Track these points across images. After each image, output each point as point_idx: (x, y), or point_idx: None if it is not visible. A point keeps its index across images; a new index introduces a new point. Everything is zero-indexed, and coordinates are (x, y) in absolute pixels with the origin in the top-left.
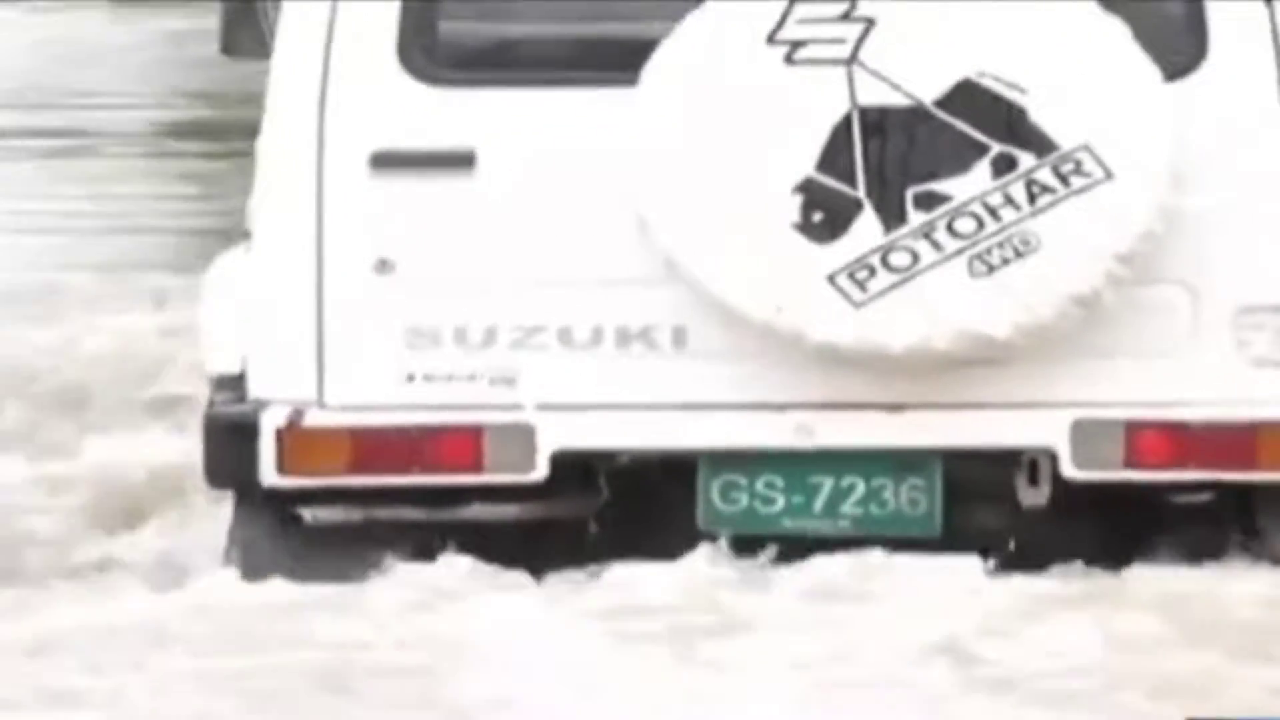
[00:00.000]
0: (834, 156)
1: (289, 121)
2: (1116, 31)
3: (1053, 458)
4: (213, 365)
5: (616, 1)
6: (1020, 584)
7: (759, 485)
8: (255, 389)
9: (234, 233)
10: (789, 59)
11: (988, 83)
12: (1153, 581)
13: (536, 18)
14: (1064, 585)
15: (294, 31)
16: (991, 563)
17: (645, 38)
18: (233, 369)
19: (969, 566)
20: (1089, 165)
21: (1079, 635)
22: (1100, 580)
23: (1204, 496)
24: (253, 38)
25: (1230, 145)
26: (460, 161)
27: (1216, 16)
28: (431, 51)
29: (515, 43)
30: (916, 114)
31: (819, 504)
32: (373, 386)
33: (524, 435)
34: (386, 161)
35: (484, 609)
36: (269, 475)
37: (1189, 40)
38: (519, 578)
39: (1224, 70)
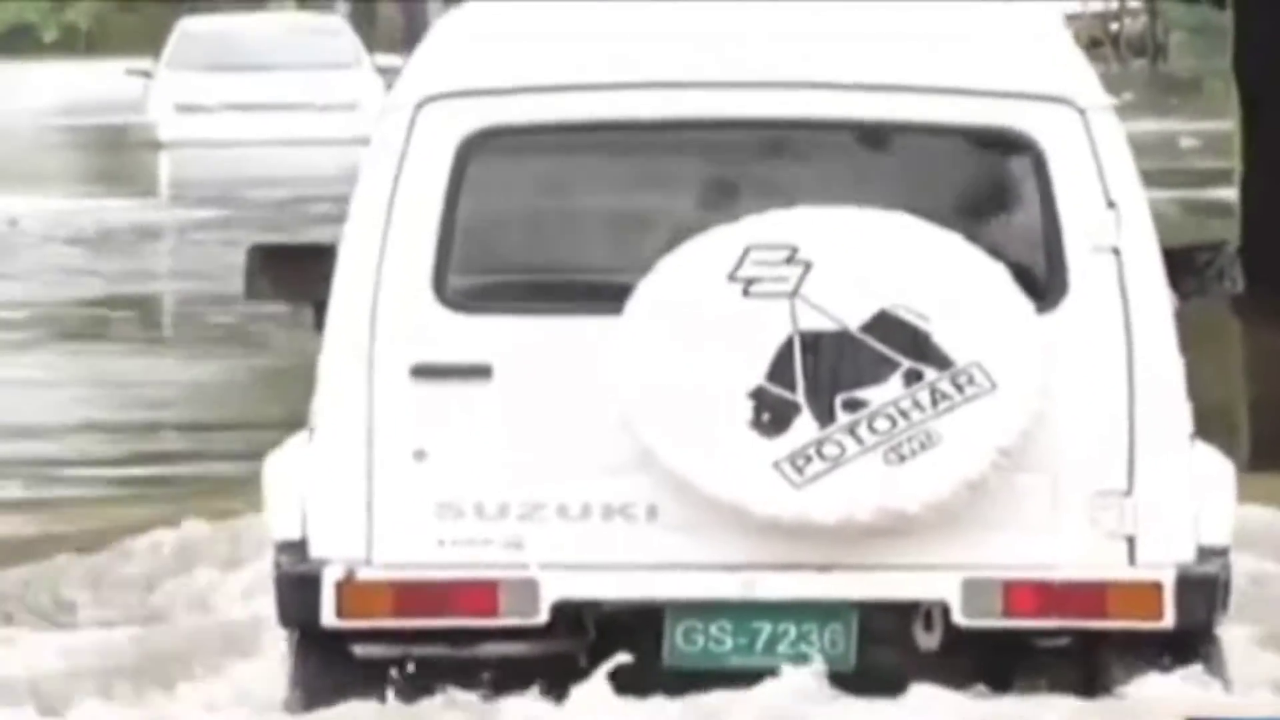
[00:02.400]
0: (780, 369)
1: (346, 337)
2: (1000, 274)
3: (945, 609)
4: (278, 532)
5: (601, 246)
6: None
7: (713, 629)
8: (316, 550)
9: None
10: (745, 292)
11: (900, 313)
12: (1020, 706)
13: (540, 260)
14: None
15: (350, 266)
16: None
17: (628, 275)
18: (294, 536)
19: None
20: (979, 378)
21: None
22: (976, 707)
23: (1063, 640)
24: (272, 284)
25: (1084, 366)
26: (480, 373)
27: (1075, 266)
28: (458, 285)
29: (523, 279)
30: (844, 337)
31: (760, 645)
32: (411, 549)
33: (530, 588)
34: (423, 372)
35: None
36: (328, 618)
37: (1055, 282)
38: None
39: (1081, 307)
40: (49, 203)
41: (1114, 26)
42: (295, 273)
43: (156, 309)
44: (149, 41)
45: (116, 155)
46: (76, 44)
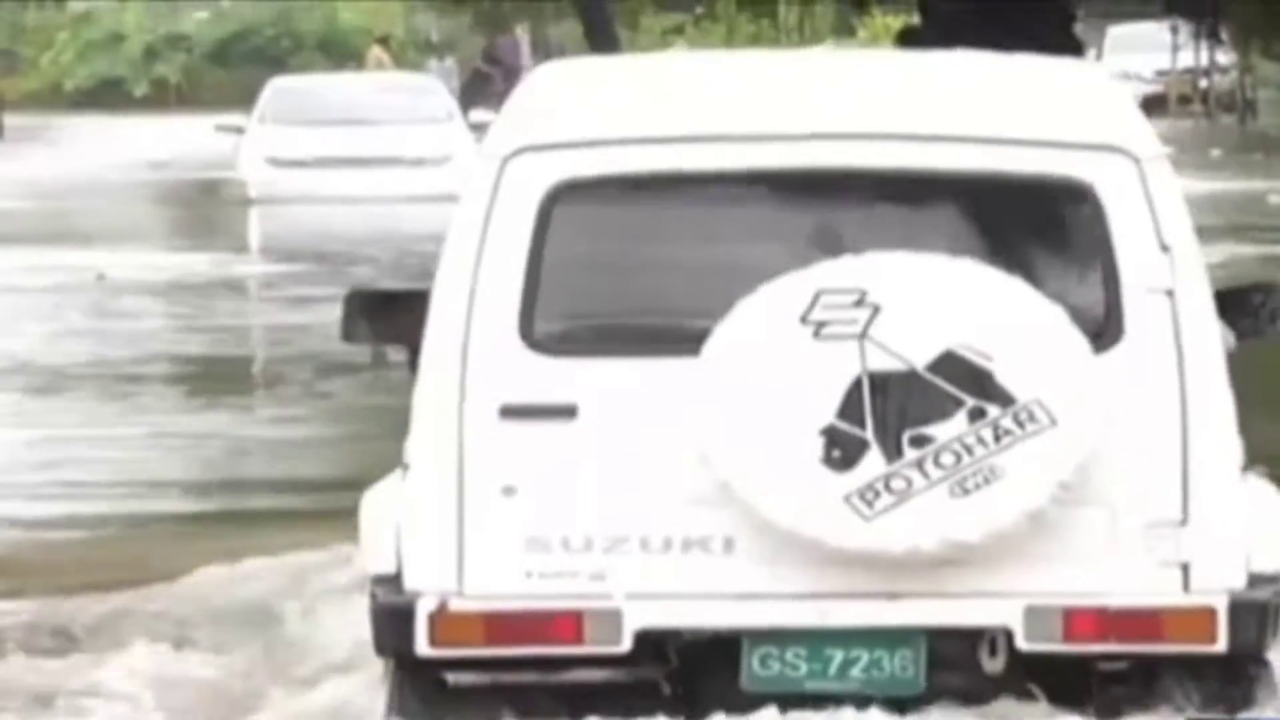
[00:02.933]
0: (850, 408)
1: (438, 380)
2: (1059, 316)
3: (1009, 634)
4: (373, 566)
5: (679, 291)
6: None
7: (788, 655)
8: (410, 582)
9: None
10: (816, 334)
11: (964, 353)
12: None
13: (621, 304)
14: None
15: (442, 311)
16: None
17: (705, 318)
18: (389, 569)
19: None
20: (1039, 415)
21: None
22: None
23: (1121, 663)
24: (369, 327)
25: (1140, 403)
26: (565, 413)
27: (1131, 308)
28: (543, 329)
29: (605, 323)
30: (911, 376)
31: (833, 670)
32: (500, 580)
33: (614, 618)
34: (511, 412)
35: None
36: (422, 647)
37: (1112, 323)
38: None
39: (1137, 347)
40: (137, 256)
41: (1203, 83)
42: (391, 317)
43: (242, 363)
44: (239, 97)
45: (205, 210)
46: (167, 99)
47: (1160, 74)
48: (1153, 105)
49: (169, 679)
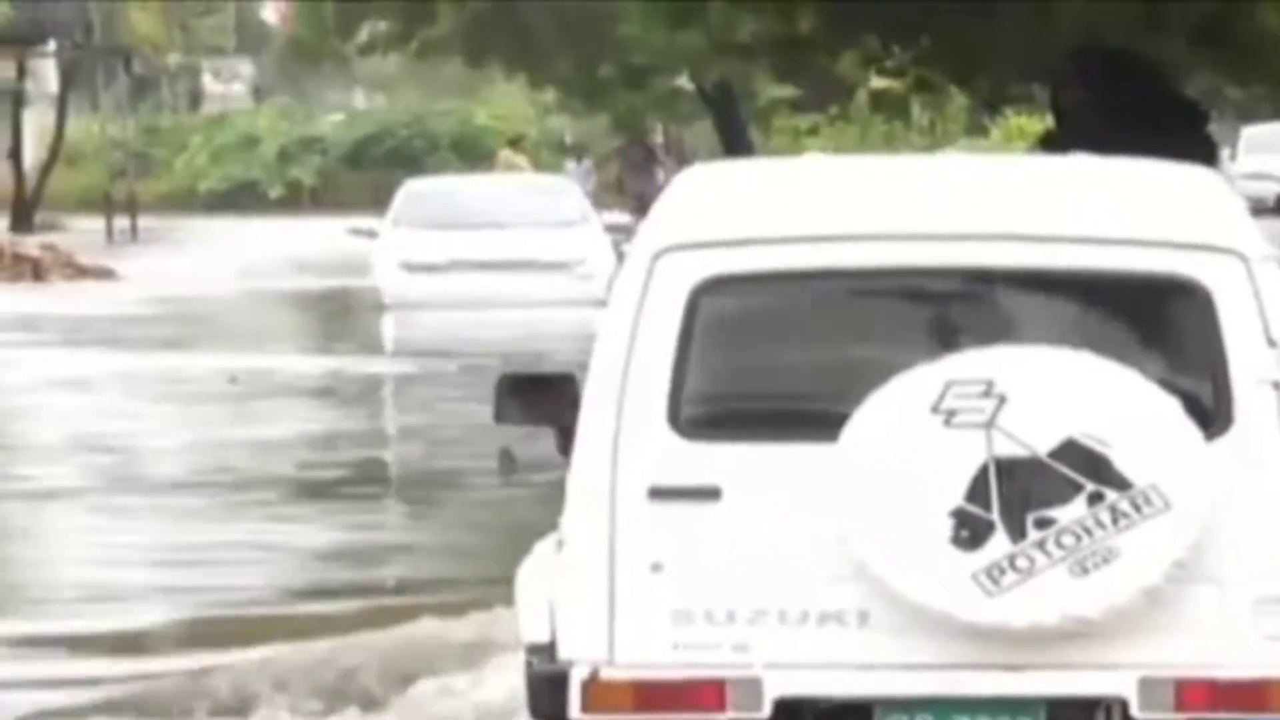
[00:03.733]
0: (977, 491)
1: (593, 462)
2: (1173, 406)
3: (1124, 704)
4: (529, 636)
5: (818, 380)
6: None
7: None
8: (564, 652)
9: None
10: (946, 422)
11: (1084, 441)
12: None
13: (763, 392)
14: None
15: (595, 398)
16: None
17: (842, 406)
18: (544, 639)
19: None
20: (1155, 499)
21: None
22: None
23: None
24: (520, 409)
25: (1248, 487)
26: (710, 494)
27: (1240, 398)
28: (690, 415)
29: (748, 410)
30: (1035, 462)
31: None
32: (648, 650)
33: (755, 686)
34: (659, 494)
35: None
36: (575, 713)
37: (1221, 412)
38: None
39: (1246, 435)
40: (269, 360)
41: None
42: (540, 399)
43: (376, 465)
44: (372, 199)
45: (339, 313)
46: (300, 201)
47: None
48: None
49: None
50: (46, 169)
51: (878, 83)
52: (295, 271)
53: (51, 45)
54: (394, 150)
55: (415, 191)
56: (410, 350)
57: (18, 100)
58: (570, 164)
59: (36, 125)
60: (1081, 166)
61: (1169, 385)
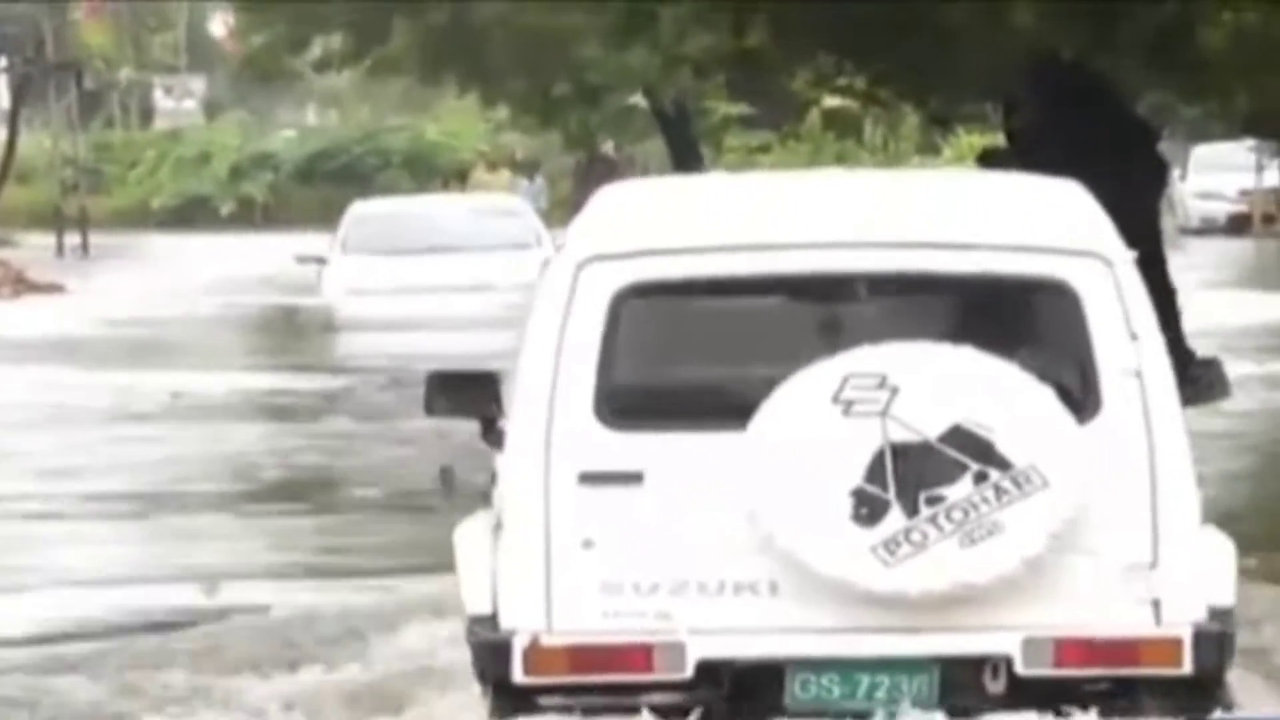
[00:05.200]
0: (874, 473)
1: (527, 452)
2: (1047, 394)
3: (1009, 662)
4: (473, 607)
5: (728, 375)
6: None
7: (823, 681)
8: (505, 622)
9: None
10: (845, 412)
11: (969, 426)
12: None
13: (679, 387)
14: None
15: (527, 394)
16: None
17: (751, 398)
18: (486, 610)
19: None
20: (1034, 477)
21: None
22: None
23: (1103, 685)
24: (449, 403)
25: (1116, 466)
26: (634, 479)
27: (1107, 387)
28: (614, 408)
29: (666, 403)
30: (925, 446)
31: (861, 692)
32: (581, 619)
33: (679, 650)
34: (588, 479)
35: None
36: (518, 676)
37: (1091, 400)
38: None
39: (1113, 420)
40: (212, 378)
41: None
42: (466, 394)
43: (314, 483)
44: (324, 215)
45: (287, 332)
46: (252, 217)
47: (1244, 193)
48: (1237, 224)
49: None
50: None
51: (830, 101)
52: (245, 289)
53: (2, 60)
54: (346, 166)
55: (363, 215)
56: (359, 370)
57: None
58: (523, 182)
59: None
60: (962, 180)
61: (1044, 376)
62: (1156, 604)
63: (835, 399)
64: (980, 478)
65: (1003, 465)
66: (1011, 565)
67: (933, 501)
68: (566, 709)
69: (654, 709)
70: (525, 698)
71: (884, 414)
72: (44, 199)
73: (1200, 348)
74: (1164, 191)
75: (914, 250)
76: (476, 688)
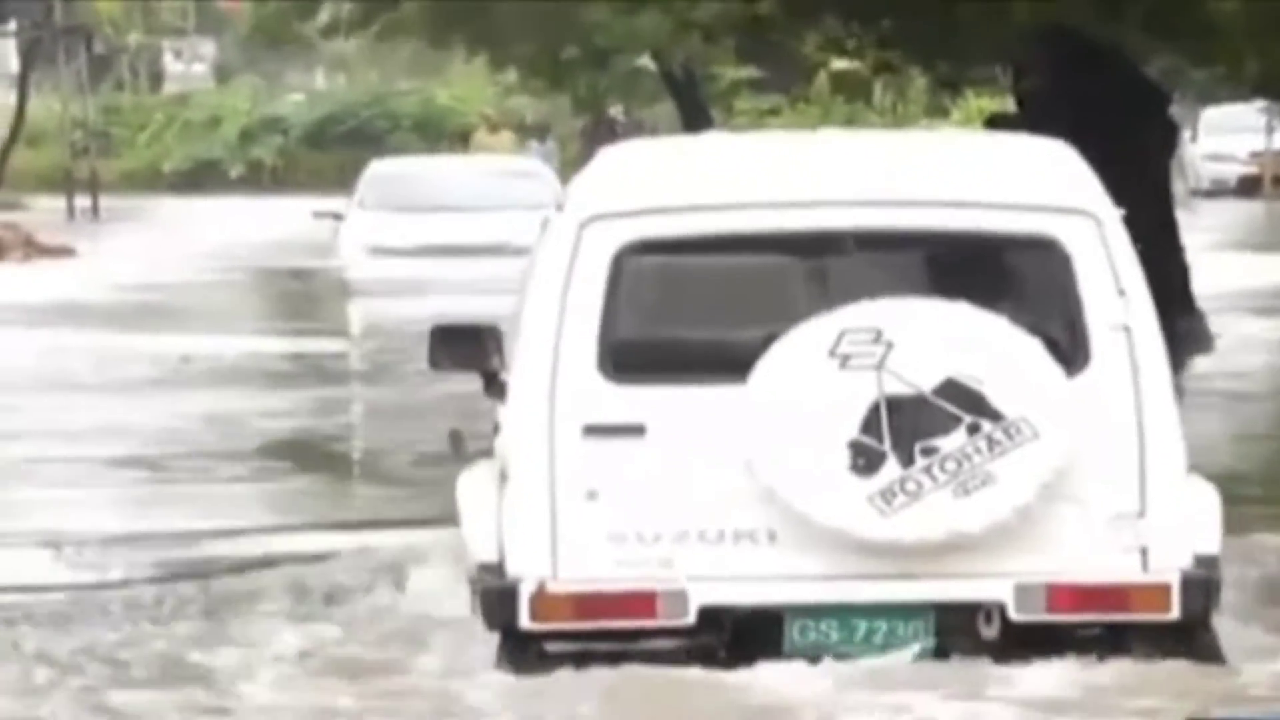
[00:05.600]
0: (870, 425)
1: (532, 405)
2: (1038, 348)
3: (1002, 607)
4: (478, 555)
5: (729, 330)
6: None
7: (821, 626)
8: (512, 569)
9: None
10: (842, 365)
11: (963, 379)
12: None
13: (681, 341)
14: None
15: (531, 349)
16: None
17: (751, 352)
18: (493, 558)
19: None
20: (1024, 429)
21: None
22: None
23: (1094, 630)
24: (452, 357)
25: (1105, 418)
26: (636, 430)
27: (1096, 341)
28: (617, 362)
29: (668, 357)
30: (920, 399)
31: (858, 637)
32: (586, 567)
33: (681, 597)
34: (592, 431)
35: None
36: (524, 622)
37: (1080, 353)
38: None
39: (1101, 372)
40: (223, 341)
41: None
42: (468, 348)
43: (326, 447)
44: (334, 179)
45: (300, 295)
46: (262, 181)
47: (1255, 155)
48: (1248, 186)
49: None
50: (7, 148)
51: (839, 64)
52: (256, 252)
53: (12, 25)
54: (355, 130)
55: (381, 173)
56: (373, 334)
57: None
58: (533, 143)
59: None
60: (956, 140)
61: (1034, 330)
62: (1144, 551)
63: (832, 353)
64: (973, 429)
65: (994, 417)
66: (1003, 514)
67: (927, 452)
68: (572, 655)
69: (658, 654)
70: (532, 643)
71: (879, 368)
72: (54, 163)
73: (1211, 309)
74: (1174, 154)
75: (908, 208)
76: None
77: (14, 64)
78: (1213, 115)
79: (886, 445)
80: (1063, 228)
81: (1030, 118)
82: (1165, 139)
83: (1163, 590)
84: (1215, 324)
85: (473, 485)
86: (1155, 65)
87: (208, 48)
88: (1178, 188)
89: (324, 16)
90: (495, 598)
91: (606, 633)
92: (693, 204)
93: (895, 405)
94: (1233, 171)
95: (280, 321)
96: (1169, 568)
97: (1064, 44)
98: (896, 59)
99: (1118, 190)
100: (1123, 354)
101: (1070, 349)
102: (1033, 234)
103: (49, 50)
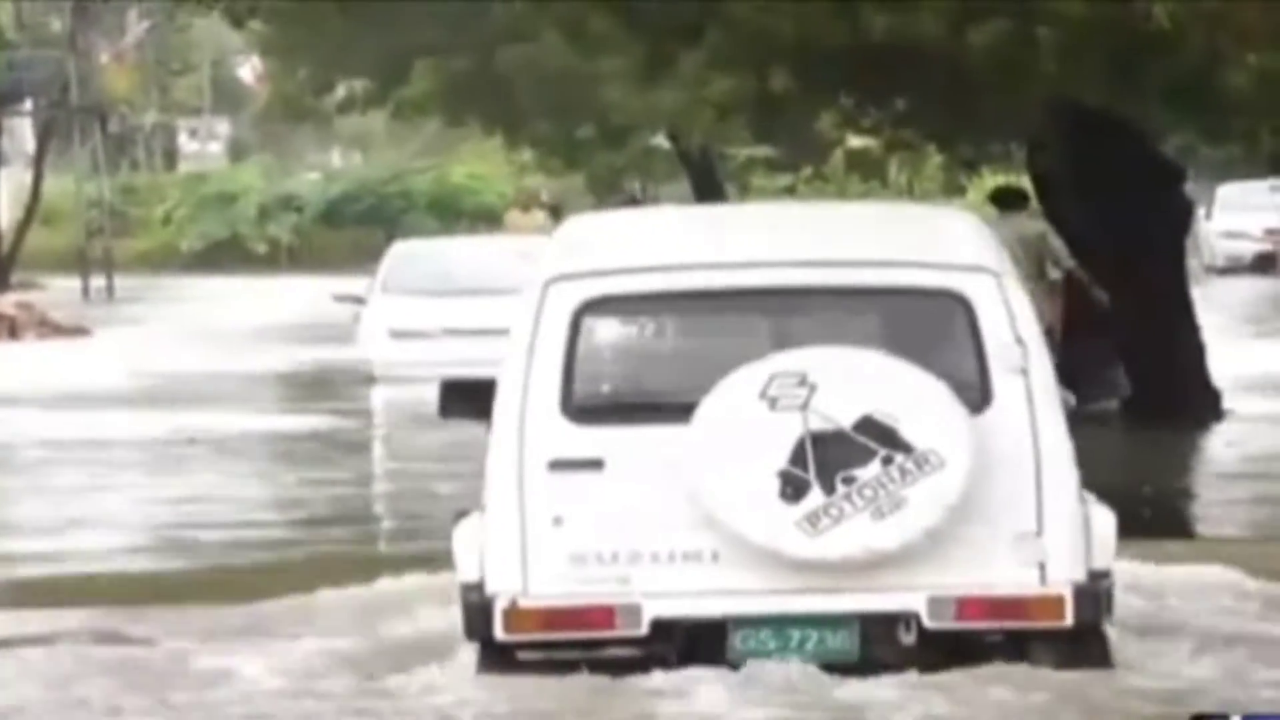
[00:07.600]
0: (797, 458)
1: (505, 443)
2: (944, 389)
3: (917, 617)
4: (464, 575)
5: (675, 377)
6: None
7: (760, 635)
8: (490, 587)
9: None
10: (771, 406)
11: (878, 417)
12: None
13: (633, 387)
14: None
15: (505, 394)
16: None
17: (694, 396)
18: (475, 578)
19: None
20: (933, 460)
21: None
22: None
23: (998, 636)
24: (459, 407)
25: (1005, 449)
26: (595, 465)
27: (996, 383)
28: (577, 405)
29: (622, 400)
30: (840, 434)
31: (792, 645)
32: (553, 584)
33: (635, 610)
34: (557, 465)
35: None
36: (499, 633)
37: (983, 394)
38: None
39: (1002, 410)
40: (233, 421)
41: None
42: (475, 399)
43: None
44: (350, 257)
45: (315, 379)
46: (278, 259)
47: (1270, 232)
48: (1263, 263)
49: None
50: (22, 228)
51: (855, 142)
52: (270, 337)
53: (28, 104)
54: (371, 209)
55: (403, 254)
56: (395, 415)
57: None
58: (554, 224)
59: (12, 184)
60: (878, 210)
61: (942, 373)
62: (1042, 566)
63: (762, 395)
64: (887, 460)
65: (906, 449)
66: (915, 535)
67: (848, 481)
68: (541, 662)
69: (615, 661)
70: (506, 651)
71: (804, 407)
72: (69, 242)
73: (1227, 389)
74: (1190, 231)
75: (833, 268)
76: None
77: (30, 143)
78: (1228, 192)
79: (811, 475)
80: (967, 283)
81: (1046, 194)
82: (1181, 215)
83: (1058, 601)
84: (1229, 401)
85: (465, 519)
86: (1171, 143)
87: (222, 126)
88: (1193, 265)
89: (340, 92)
90: (474, 612)
91: (570, 642)
92: (644, 265)
93: (819, 440)
94: (1248, 249)
95: (292, 405)
96: (1063, 580)
97: (1080, 121)
98: (912, 137)
99: (1133, 265)
100: (1020, 394)
101: (974, 389)
102: (940, 288)
103: (64, 129)
